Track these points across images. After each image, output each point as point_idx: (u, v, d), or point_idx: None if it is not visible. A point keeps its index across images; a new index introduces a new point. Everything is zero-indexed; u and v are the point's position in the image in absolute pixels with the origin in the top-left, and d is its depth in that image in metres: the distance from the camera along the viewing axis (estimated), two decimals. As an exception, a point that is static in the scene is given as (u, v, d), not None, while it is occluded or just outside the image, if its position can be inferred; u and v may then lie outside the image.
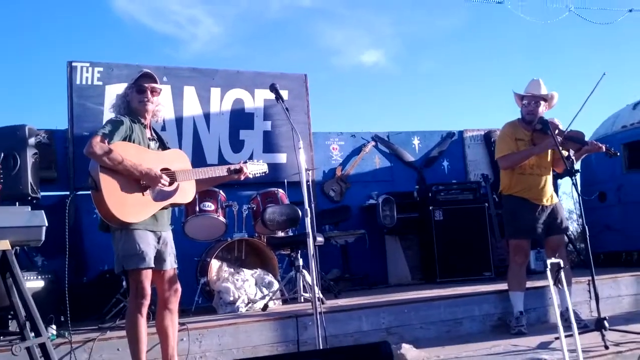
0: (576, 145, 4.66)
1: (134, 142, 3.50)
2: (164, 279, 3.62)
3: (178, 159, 3.72)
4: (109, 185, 3.31)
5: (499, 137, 4.96)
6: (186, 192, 3.66)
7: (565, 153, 4.53)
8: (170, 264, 3.63)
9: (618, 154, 4.73)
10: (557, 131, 4.62)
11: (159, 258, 3.55)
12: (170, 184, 3.55)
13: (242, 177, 3.91)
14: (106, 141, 3.33)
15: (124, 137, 3.45)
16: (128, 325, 3.46)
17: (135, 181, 3.41)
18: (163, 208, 3.57)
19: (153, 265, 3.46)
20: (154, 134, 3.75)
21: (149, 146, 3.62)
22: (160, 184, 3.45)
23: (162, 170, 3.51)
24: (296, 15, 18.83)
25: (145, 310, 3.44)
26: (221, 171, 3.84)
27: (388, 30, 19.09)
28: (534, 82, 4.79)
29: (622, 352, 3.83)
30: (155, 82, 3.67)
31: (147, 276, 3.43)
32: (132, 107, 3.62)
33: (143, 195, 3.44)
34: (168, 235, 3.67)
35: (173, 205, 3.67)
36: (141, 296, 3.40)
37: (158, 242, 3.55)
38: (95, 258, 6.17)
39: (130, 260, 3.39)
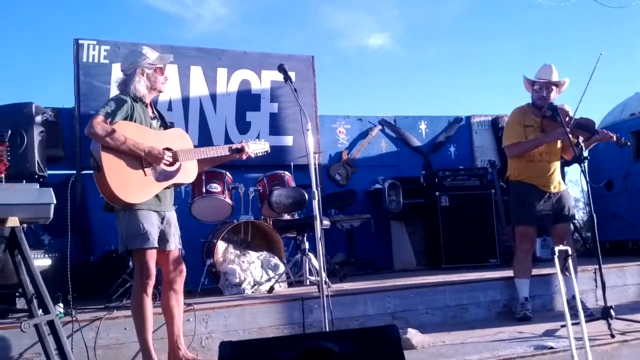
0: (586, 134, 4.62)
1: (135, 121, 3.49)
2: (169, 260, 3.62)
3: (180, 138, 3.70)
4: (111, 166, 3.30)
5: (507, 123, 4.91)
6: (188, 172, 3.65)
7: (574, 140, 4.49)
8: (175, 245, 3.64)
9: (629, 143, 4.69)
10: (567, 118, 4.58)
11: (163, 238, 3.56)
12: (172, 163, 3.54)
13: (244, 157, 3.91)
14: (108, 120, 3.31)
15: (125, 117, 3.43)
16: (133, 305, 3.48)
17: (137, 161, 3.40)
18: (166, 188, 3.56)
19: (157, 245, 3.47)
20: (155, 112, 3.73)
21: (151, 125, 3.60)
22: (163, 162, 3.44)
23: (164, 149, 3.51)
24: (302, -4, 18.67)
25: (150, 290, 3.44)
26: (223, 150, 3.83)
27: (393, 13, 18.95)
28: (546, 67, 4.73)
29: (628, 340, 3.83)
30: None
31: (151, 256, 3.44)
32: (154, 87, 3.63)
33: (145, 175, 3.43)
34: (172, 215, 3.66)
35: (176, 185, 3.67)
36: (146, 276, 3.41)
37: (162, 222, 3.55)
38: (102, 237, 6.18)
39: (134, 240, 3.40)
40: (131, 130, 3.40)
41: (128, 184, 3.35)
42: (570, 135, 4.44)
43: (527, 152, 4.66)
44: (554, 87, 4.70)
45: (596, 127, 4.76)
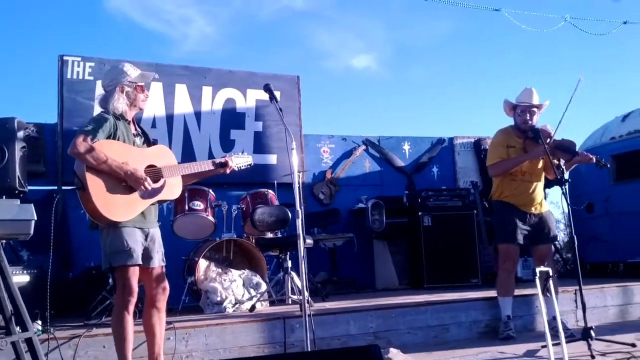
0: (567, 155, 4.68)
1: (118, 139, 3.47)
2: (152, 277, 3.58)
3: (163, 155, 3.69)
4: (95, 185, 3.29)
5: (491, 144, 4.98)
6: (173, 188, 3.64)
7: (555, 162, 4.55)
8: (158, 262, 3.60)
9: (608, 165, 4.76)
10: (548, 140, 4.64)
11: (147, 255, 3.52)
12: (157, 180, 3.52)
13: (228, 171, 3.90)
14: (89, 139, 3.29)
15: (108, 135, 3.41)
16: (114, 323, 3.42)
17: (122, 179, 3.38)
18: (151, 205, 3.54)
19: (140, 262, 3.43)
20: (138, 129, 3.72)
21: (134, 142, 3.58)
22: (143, 187, 3.41)
23: (148, 167, 3.50)
24: (289, 17, 18.82)
25: (132, 307, 3.40)
26: (207, 165, 3.82)
27: (379, 35, 19.14)
28: (528, 90, 4.81)
29: (608, 361, 3.85)
30: None
31: (134, 273, 3.40)
32: (135, 104, 3.61)
33: (130, 193, 3.41)
34: (156, 232, 3.63)
35: (160, 201, 3.65)
36: (128, 293, 3.37)
37: (146, 239, 3.52)
38: (82, 254, 6.12)
39: (118, 257, 3.36)
40: (115, 149, 3.39)
41: (113, 203, 3.33)
42: (549, 155, 4.50)
43: (508, 170, 4.72)
44: (535, 110, 4.77)
45: (577, 149, 4.83)
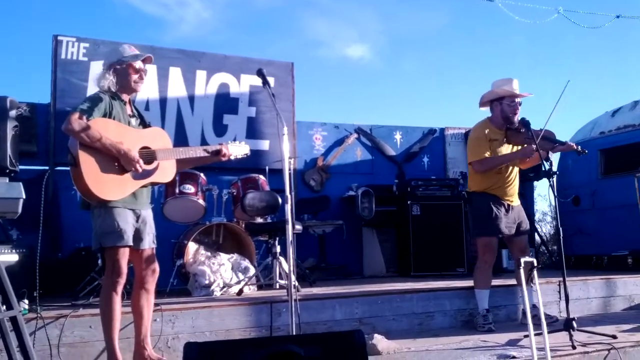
0: (550, 145, 4.68)
1: (114, 118, 3.47)
2: (142, 258, 3.61)
3: (159, 137, 3.70)
4: (87, 162, 3.30)
5: (473, 139, 4.92)
6: (166, 171, 3.64)
7: (544, 154, 4.57)
8: (149, 244, 3.63)
9: (586, 151, 4.77)
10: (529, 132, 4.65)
11: (138, 236, 3.55)
12: (150, 162, 3.53)
13: (224, 159, 3.89)
14: (84, 117, 3.29)
15: (103, 114, 3.42)
16: (102, 303, 3.45)
17: (114, 159, 3.39)
18: (143, 186, 3.56)
19: (131, 244, 3.46)
20: (134, 111, 3.72)
21: (129, 123, 3.59)
22: (135, 168, 3.41)
23: (142, 148, 3.50)
24: (285, 5, 18.80)
25: (120, 288, 3.43)
26: (201, 151, 3.83)
27: (373, 25, 19.17)
28: (512, 81, 4.80)
29: (589, 352, 3.90)
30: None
31: (124, 254, 3.43)
32: (125, 84, 3.60)
33: (122, 173, 3.42)
34: (147, 214, 3.66)
35: (153, 184, 3.66)
36: (117, 274, 3.40)
37: (137, 221, 3.54)
38: (72, 235, 6.13)
39: (108, 237, 3.38)
40: (111, 128, 3.40)
41: (104, 181, 3.34)
42: (539, 150, 4.52)
43: (496, 167, 4.73)
44: (520, 100, 4.80)
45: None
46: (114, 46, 3.78)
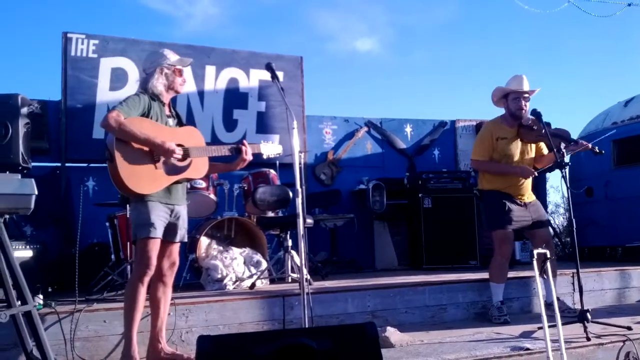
0: (564, 143, 4.66)
1: (152, 118, 3.58)
2: (168, 251, 3.69)
3: (192, 135, 3.79)
4: (123, 158, 3.41)
5: (478, 137, 4.94)
6: (199, 168, 3.74)
7: (556, 144, 4.53)
8: (180, 238, 3.73)
9: (603, 152, 4.75)
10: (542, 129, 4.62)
11: (171, 230, 3.65)
12: (184, 159, 3.62)
13: (246, 158, 3.82)
14: (122, 115, 3.39)
15: (142, 113, 3.53)
16: (127, 291, 3.52)
17: (149, 155, 3.50)
18: (177, 182, 3.65)
19: (160, 236, 3.53)
20: (172, 112, 3.83)
21: (167, 123, 3.69)
22: (173, 157, 3.52)
23: (176, 145, 3.58)
24: None
25: (147, 279, 3.50)
26: (226, 150, 3.85)
27: (382, 18, 19.08)
28: (519, 78, 4.77)
29: (604, 344, 3.88)
30: None
31: (154, 246, 3.50)
32: (172, 86, 3.73)
33: (156, 168, 3.52)
34: (182, 209, 3.74)
35: (186, 179, 3.77)
36: (145, 265, 3.47)
37: (171, 215, 3.63)
38: (85, 230, 6.11)
39: (141, 229, 3.48)
40: (146, 126, 3.49)
41: (138, 176, 3.44)
42: (553, 146, 4.49)
43: (492, 174, 4.76)
44: (528, 96, 4.78)
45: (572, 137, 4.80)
46: (154, 50, 3.88)
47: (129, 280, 3.57)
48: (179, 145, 3.59)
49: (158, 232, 3.50)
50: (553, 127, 4.73)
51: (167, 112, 3.73)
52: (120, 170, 3.37)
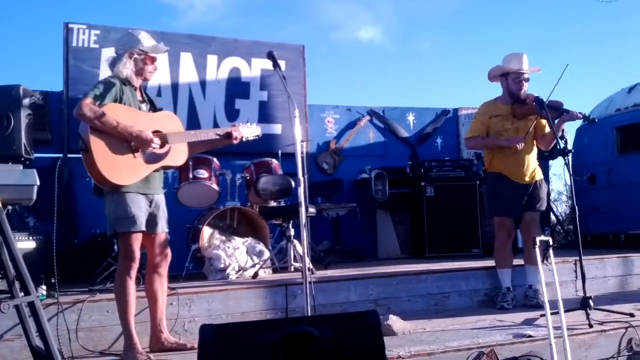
0: (555, 114, 4.61)
1: (124, 104, 3.48)
2: (155, 243, 3.64)
3: (170, 121, 3.71)
4: (99, 147, 3.30)
5: (475, 117, 5.01)
6: (178, 155, 3.65)
7: (559, 133, 4.51)
8: (161, 228, 3.65)
9: (596, 120, 4.74)
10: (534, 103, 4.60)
11: (151, 221, 3.57)
12: (162, 146, 3.53)
13: (235, 142, 3.87)
14: (97, 103, 3.30)
15: (114, 99, 3.42)
16: (117, 287, 3.50)
17: (126, 143, 3.39)
18: (155, 170, 3.57)
19: (144, 229, 3.48)
20: (144, 96, 3.73)
21: (140, 108, 3.60)
22: (151, 147, 3.44)
23: (153, 132, 3.49)
24: (294, -13, 18.62)
25: (134, 273, 3.47)
26: (212, 134, 3.83)
27: (386, 7, 18.97)
28: (521, 56, 4.75)
29: (606, 330, 3.89)
30: None
31: (137, 239, 3.46)
32: (140, 72, 3.62)
33: (134, 157, 3.43)
34: (160, 198, 3.67)
35: (165, 167, 3.68)
36: (130, 259, 3.43)
37: (150, 205, 3.56)
38: (87, 221, 6.18)
39: (121, 223, 3.41)
40: (121, 112, 3.40)
41: (116, 166, 3.35)
42: (541, 119, 4.51)
43: (480, 148, 4.79)
44: (528, 76, 4.76)
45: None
46: (129, 31, 3.76)
47: (116, 276, 3.52)
48: (156, 131, 3.50)
49: (140, 225, 3.44)
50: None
51: (139, 97, 3.64)
52: (97, 161, 3.27)
